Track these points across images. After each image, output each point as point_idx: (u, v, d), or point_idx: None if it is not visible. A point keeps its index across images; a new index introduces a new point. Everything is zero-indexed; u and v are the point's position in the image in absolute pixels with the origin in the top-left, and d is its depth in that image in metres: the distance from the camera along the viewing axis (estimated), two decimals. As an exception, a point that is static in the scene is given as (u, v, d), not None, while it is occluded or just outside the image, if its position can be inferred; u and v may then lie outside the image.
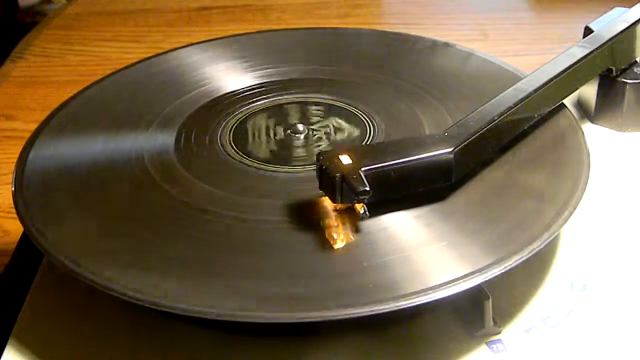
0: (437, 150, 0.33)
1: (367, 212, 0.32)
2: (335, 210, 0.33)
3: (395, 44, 0.49)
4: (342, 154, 0.32)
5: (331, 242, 0.32)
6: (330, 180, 0.32)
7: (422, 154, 0.33)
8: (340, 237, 0.32)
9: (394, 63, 0.47)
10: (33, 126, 0.40)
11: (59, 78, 0.68)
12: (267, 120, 0.41)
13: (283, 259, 0.31)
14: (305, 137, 0.39)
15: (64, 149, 0.39)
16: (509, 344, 0.32)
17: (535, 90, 0.38)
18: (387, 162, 0.32)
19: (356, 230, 0.32)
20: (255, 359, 0.32)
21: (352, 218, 0.32)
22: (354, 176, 0.31)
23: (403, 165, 0.33)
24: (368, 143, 0.38)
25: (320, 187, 0.33)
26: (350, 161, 0.32)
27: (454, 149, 0.33)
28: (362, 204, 0.32)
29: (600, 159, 0.41)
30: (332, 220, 0.33)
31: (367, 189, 0.31)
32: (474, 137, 0.34)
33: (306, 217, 0.33)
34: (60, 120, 0.41)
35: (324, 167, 0.32)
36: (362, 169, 0.32)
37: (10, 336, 0.33)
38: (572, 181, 0.35)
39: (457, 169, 0.34)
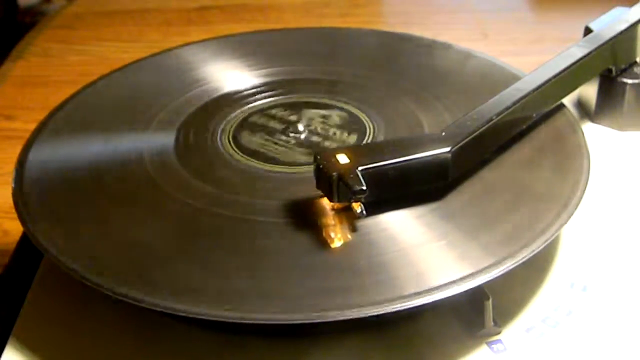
0: (435, 149, 0.33)
1: (364, 212, 0.32)
2: (333, 209, 0.33)
3: (395, 43, 0.49)
4: (339, 153, 0.32)
5: (328, 241, 0.32)
6: (327, 179, 0.32)
7: (420, 153, 0.33)
8: (337, 236, 0.32)
9: (393, 63, 0.47)
10: (33, 126, 0.40)
11: (59, 78, 0.68)
12: (266, 120, 0.41)
13: (280, 258, 0.31)
14: (305, 137, 0.39)
15: (63, 149, 0.39)
16: (509, 344, 0.32)
17: (534, 90, 0.38)
18: (384, 161, 0.32)
19: (354, 229, 0.32)
20: None
21: (349, 217, 0.32)
22: (350, 175, 0.31)
23: (400, 164, 0.32)
24: (366, 142, 0.38)
25: (318, 186, 0.33)
26: (348, 160, 0.32)
27: (452, 148, 0.33)
28: (359, 203, 0.32)
29: (600, 159, 0.41)
30: (330, 219, 0.33)
31: (364, 188, 0.31)
32: (471, 136, 0.34)
33: (304, 217, 0.33)
34: (60, 120, 0.41)
35: (320, 166, 0.32)
36: (359, 168, 0.32)
37: (10, 336, 0.33)
38: (572, 181, 0.35)
39: (454, 168, 0.34)
